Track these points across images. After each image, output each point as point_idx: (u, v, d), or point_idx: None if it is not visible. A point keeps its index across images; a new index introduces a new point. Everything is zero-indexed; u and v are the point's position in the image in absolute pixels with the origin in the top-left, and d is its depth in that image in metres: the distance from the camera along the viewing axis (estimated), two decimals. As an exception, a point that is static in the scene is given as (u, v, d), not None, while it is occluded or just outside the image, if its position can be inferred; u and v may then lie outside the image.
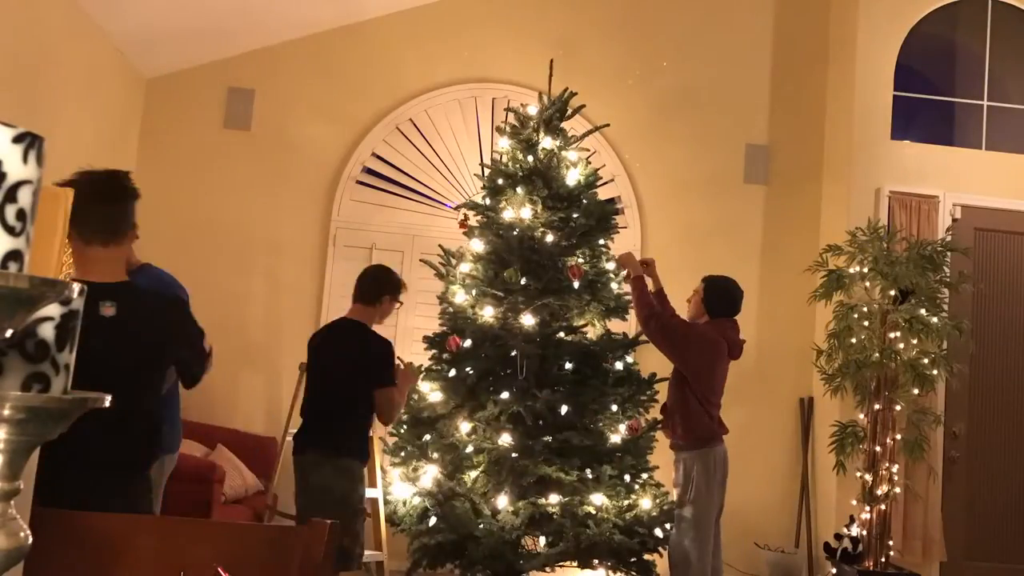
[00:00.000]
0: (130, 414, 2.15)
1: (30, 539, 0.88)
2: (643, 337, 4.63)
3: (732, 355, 4.35)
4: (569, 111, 4.87)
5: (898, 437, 5.36)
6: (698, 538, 4.12)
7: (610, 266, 4.77)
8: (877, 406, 5.35)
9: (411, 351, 5.13)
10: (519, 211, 4.64)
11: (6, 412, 0.85)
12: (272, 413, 5.88)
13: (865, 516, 5.31)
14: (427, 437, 4.56)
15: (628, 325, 5.02)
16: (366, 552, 4.34)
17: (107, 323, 2.25)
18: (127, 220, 2.44)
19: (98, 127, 5.36)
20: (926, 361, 5.36)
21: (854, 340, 5.39)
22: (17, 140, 0.83)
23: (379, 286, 3.94)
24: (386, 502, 4.88)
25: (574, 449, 4.34)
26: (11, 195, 0.82)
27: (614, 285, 4.72)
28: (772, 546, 5.85)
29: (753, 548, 5.79)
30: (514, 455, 4.30)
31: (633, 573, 4.42)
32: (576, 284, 4.57)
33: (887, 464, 5.32)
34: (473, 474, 4.40)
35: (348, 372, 3.78)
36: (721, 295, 4.39)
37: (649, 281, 4.51)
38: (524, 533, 4.25)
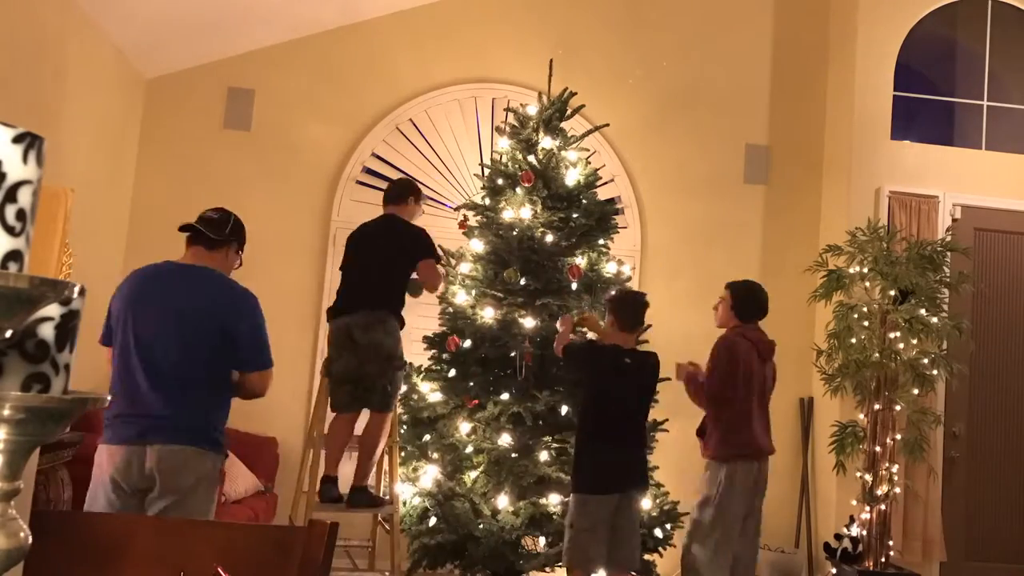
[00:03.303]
0: None
1: (30, 539, 0.88)
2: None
3: (762, 355, 4.35)
4: (569, 111, 4.87)
5: (898, 437, 5.36)
6: (717, 544, 4.12)
7: (611, 267, 4.77)
8: (877, 406, 5.35)
9: (411, 351, 5.12)
10: (519, 211, 4.65)
11: (6, 412, 0.85)
12: (272, 413, 5.86)
13: (865, 516, 5.31)
14: (427, 437, 4.56)
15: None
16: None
17: None
18: None
19: (98, 127, 5.36)
20: (926, 361, 5.36)
21: (854, 340, 5.39)
22: (17, 140, 0.83)
23: (405, 188, 4.61)
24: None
25: (574, 449, 4.34)
26: (11, 195, 0.82)
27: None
28: (772, 546, 5.84)
29: (753, 548, 5.79)
30: (514, 455, 4.31)
31: (633, 573, 4.42)
32: (575, 284, 4.58)
33: (887, 464, 5.32)
34: (473, 474, 4.41)
35: (387, 256, 4.27)
36: (749, 300, 4.43)
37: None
38: (524, 533, 4.26)
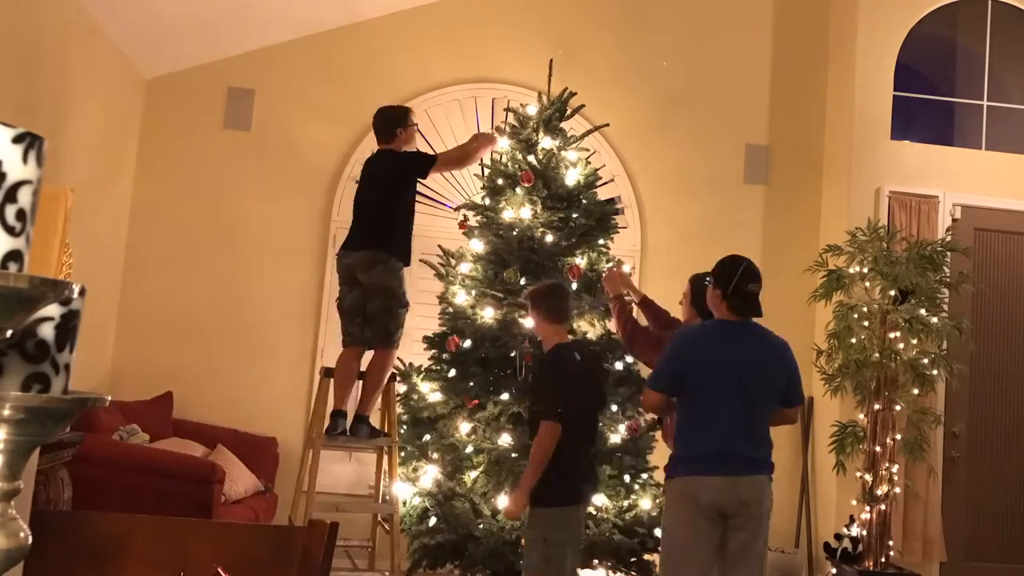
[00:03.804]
0: None
1: (30, 539, 0.88)
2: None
3: None
4: (569, 111, 4.87)
5: (898, 437, 5.36)
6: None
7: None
8: (877, 406, 5.35)
9: (411, 351, 5.13)
10: (519, 211, 4.64)
11: (6, 412, 0.85)
12: (272, 413, 5.88)
13: (865, 516, 5.31)
14: (427, 437, 4.56)
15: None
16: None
17: None
18: None
19: (98, 127, 5.36)
20: (926, 361, 5.36)
21: (854, 340, 5.39)
22: (17, 140, 0.83)
23: (390, 120, 4.58)
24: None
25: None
26: (11, 195, 0.82)
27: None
28: (772, 546, 5.84)
29: (753, 548, 5.78)
30: (514, 455, 4.30)
31: (633, 573, 4.42)
32: (575, 285, 4.57)
33: (887, 464, 5.32)
34: (473, 474, 4.40)
35: (382, 195, 4.40)
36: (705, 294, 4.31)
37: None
38: (524, 533, 4.25)
